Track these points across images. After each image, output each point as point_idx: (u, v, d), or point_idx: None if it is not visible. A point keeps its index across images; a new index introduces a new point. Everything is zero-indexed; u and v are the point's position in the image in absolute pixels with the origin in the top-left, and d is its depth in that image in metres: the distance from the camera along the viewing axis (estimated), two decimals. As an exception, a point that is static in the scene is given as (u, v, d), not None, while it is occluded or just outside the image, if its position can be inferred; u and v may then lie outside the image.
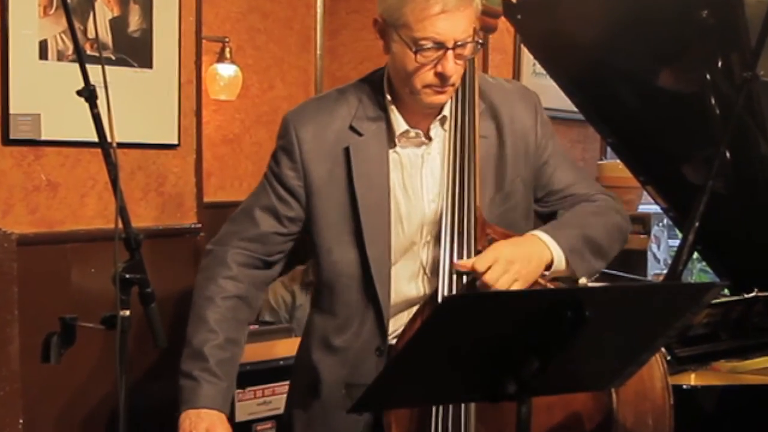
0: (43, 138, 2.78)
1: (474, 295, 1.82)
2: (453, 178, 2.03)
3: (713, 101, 2.63)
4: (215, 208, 3.59)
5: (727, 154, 2.55)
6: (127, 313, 1.71)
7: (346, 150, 2.05)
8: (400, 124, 2.05)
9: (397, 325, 2.09)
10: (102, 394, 2.86)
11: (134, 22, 2.96)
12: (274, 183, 2.10)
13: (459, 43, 1.92)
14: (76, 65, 1.78)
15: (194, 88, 3.17)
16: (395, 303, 2.08)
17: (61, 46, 2.78)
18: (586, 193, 2.16)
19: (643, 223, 4.43)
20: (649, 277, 4.55)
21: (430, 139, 2.08)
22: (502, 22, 2.40)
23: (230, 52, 4.04)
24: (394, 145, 2.06)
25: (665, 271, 3.47)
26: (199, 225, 3.18)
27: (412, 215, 2.07)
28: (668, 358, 2.34)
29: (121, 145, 1.79)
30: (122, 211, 1.75)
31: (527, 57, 4.35)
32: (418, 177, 2.08)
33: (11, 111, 2.70)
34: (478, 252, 1.98)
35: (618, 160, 3.34)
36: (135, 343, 1.98)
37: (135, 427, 1.82)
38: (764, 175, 2.65)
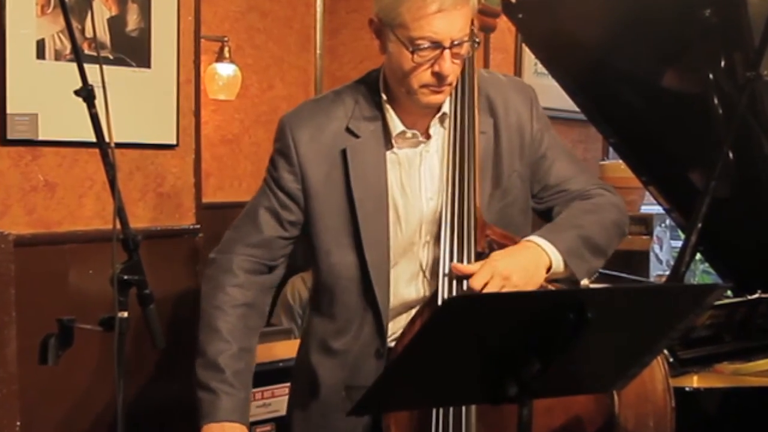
0: (41, 138, 2.76)
1: (474, 296, 1.80)
2: (452, 176, 2.02)
3: (716, 101, 2.62)
4: (214, 208, 3.58)
5: (730, 155, 2.54)
6: (126, 314, 1.70)
7: (343, 152, 2.04)
8: (396, 125, 2.04)
9: (396, 327, 2.07)
10: (100, 395, 2.85)
11: (132, 21, 2.95)
12: (274, 187, 2.09)
13: (456, 42, 1.90)
14: (74, 65, 1.76)
15: (193, 88, 3.15)
16: (394, 305, 2.07)
17: (59, 46, 2.77)
18: (581, 188, 2.14)
19: (645, 223, 4.42)
20: (652, 278, 4.54)
21: (428, 137, 2.06)
22: (504, 22, 2.39)
23: (229, 51, 4.03)
24: (391, 147, 2.05)
25: (668, 273, 3.46)
26: (198, 226, 3.17)
27: (410, 214, 2.06)
28: (670, 360, 2.33)
29: (119, 145, 1.79)
30: (120, 212, 1.74)
31: (529, 56, 4.34)
32: (416, 175, 2.06)
33: (8, 111, 2.68)
34: (477, 253, 1.97)
35: (620, 161, 3.33)
36: (133, 344, 1.97)
37: (133, 429, 1.81)
38: (767, 176, 2.64)
